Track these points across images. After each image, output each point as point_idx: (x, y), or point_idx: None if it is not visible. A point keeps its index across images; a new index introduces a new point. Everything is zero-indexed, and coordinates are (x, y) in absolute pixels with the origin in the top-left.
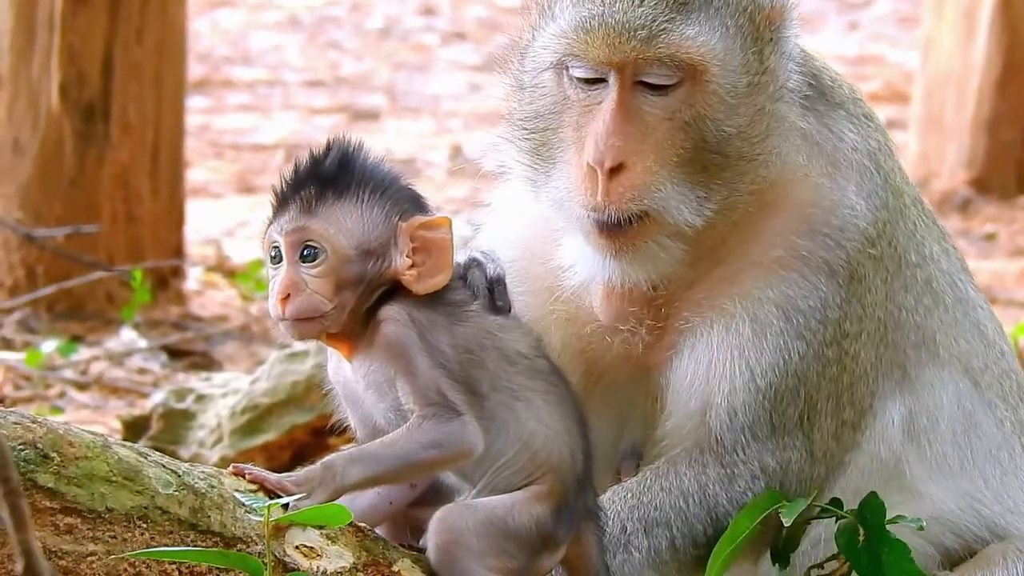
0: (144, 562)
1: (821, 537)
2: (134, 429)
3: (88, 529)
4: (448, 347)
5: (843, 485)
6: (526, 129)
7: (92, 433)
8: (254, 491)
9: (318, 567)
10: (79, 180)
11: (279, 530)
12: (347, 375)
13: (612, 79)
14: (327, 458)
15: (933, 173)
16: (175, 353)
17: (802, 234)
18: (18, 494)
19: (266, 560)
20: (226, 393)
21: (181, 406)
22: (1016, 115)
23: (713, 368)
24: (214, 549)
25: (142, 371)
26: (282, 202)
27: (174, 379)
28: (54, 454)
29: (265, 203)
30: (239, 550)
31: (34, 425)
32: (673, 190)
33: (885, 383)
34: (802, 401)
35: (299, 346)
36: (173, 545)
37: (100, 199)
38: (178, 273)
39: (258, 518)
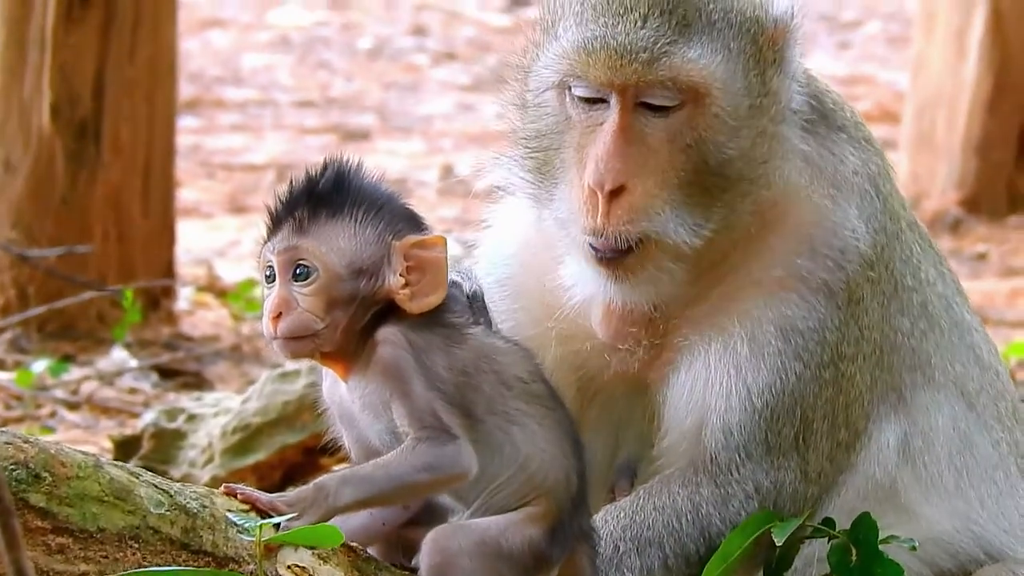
0: None
1: (815, 557)
2: (125, 449)
3: (80, 549)
4: (444, 369)
5: (838, 506)
6: (528, 148)
7: (84, 453)
8: (246, 511)
9: None
10: (70, 199)
11: (271, 550)
12: (342, 395)
13: (613, 100)
14: (319, 479)
15: (924, 193)
16: (166, 373)
17: (803, 254)
18: (10, 514)
19: None
20: (217, 413)
21: (172, 426)
22: (1006, 135)
23: (710, 386)
24: (206, 569)
25: (133, 391)
26: (276, 221)
27: (165, 399)
28: (46, 474)
29: (256, 223)
30: (231, 570)
31: (26, 445)
32: (672, 212)
33: (880, 405)
34: (798, 422)
35: (290, 366)
36: (165, 565)
37: (91, 218)
38: (169, 293)
39: (250, 538)
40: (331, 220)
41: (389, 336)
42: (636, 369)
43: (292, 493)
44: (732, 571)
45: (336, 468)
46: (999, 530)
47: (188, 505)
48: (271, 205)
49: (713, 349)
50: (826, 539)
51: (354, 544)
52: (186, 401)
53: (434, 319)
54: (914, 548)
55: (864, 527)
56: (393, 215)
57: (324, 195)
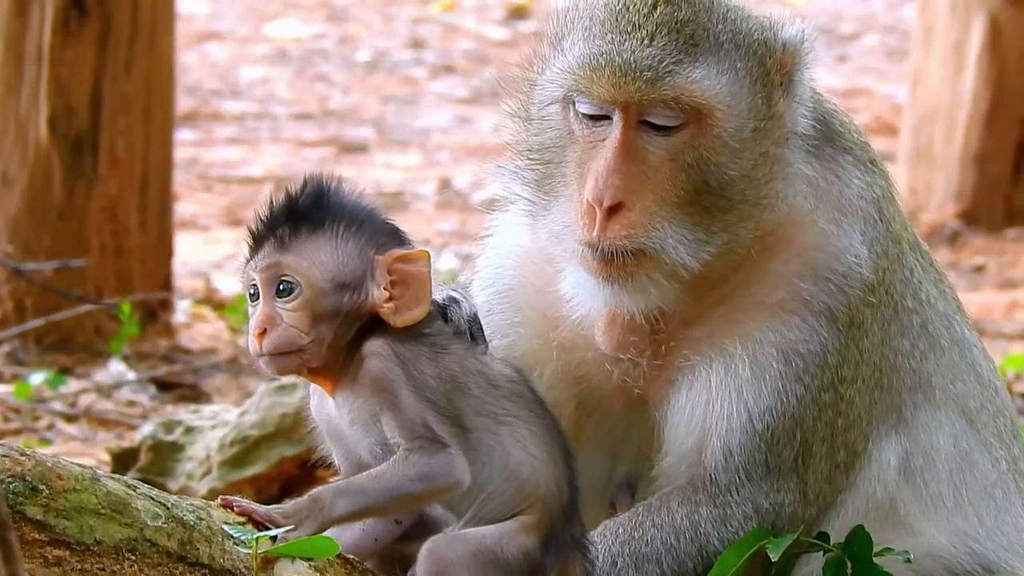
0: None
1: (813, 575)
2: (123, 461)
3: (77, 561)
4: (433, 378)
5: (839, 525)
6: (530, 160)
7: (80, 465)
8: (242, 523)
9: None
10: (67, 213)
11: (267, 562)
12: (330, 412)
13: (616, 117)
14: (314, 491)
15: (921, 206)
16: (164, 385)
17: (806, 278)
18: (7, 526)
19: None
20: (215, 425)
21: (170, 438)
22: (1004, 148)
23: (711, 407)
24: None
25: (131, 403)
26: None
27: (163, 411)
28: (43, 486)
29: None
30: None
31: (23, 458)
32: (671, 231)
33: (880, 425)
34: (797, 444)
35: (288, 379)
36: None
37: (88, 232)
38: (167, 306)
39: (246, 550)
40: (312, 236)
41: (376, 349)
42: (639, 384)
43: (288, 505)
44: None
45: (332, 480)
46: (997, 546)
47: (185, 517)
48: (253, 223)
49: (715, 370)
50: (822, 555)
51: (350, 556)
52: (184, 414)
53: (418, 330)
54: (909, 560)
55: (858, 541)
56: (375, 229)
57: (305, 211)
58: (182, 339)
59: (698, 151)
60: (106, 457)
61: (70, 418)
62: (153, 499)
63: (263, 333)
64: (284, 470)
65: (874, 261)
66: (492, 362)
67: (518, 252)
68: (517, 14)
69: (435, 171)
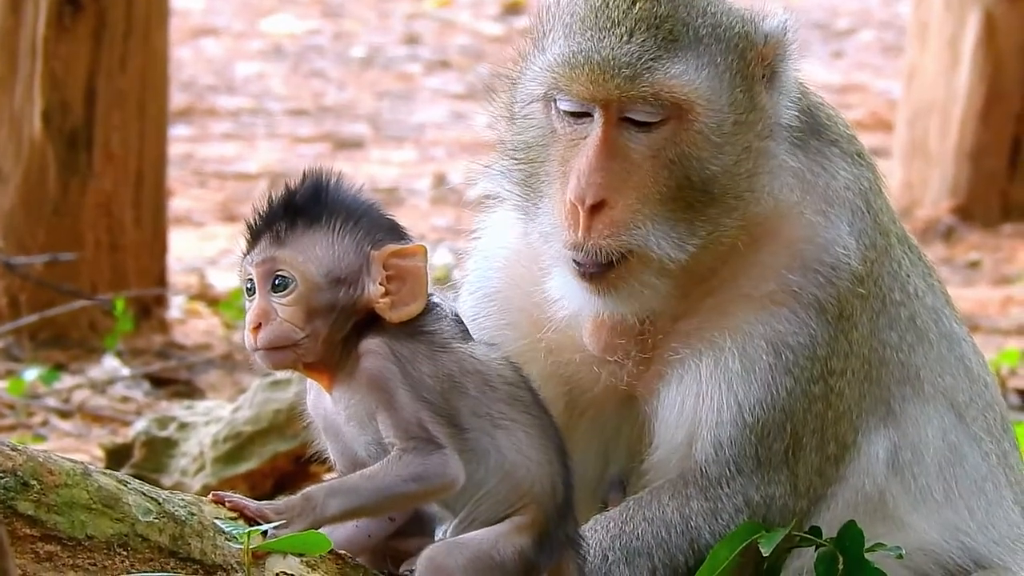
0: None
1: (804, 569)
2: (116, 457)
3: (68, 556)
4: (430, 377)
5: (828, 519)
6: (515, 159)
7: (72, 461)
8: (234, 519)
9: None
10: (62, 208)
11: (259, 557)
12: (327, 407)
13: (597, 115)
14: (307, 489)
15: (917, 201)
16: (158, 381)
17: (794, 270)
18: None
19: None
20: (208, 421)
21: (163, 434)
22: (999, 144)
23: (701, 400)
24: None
25: (125, 399)
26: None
27: (157, 407)
28: (34, 482)
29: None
30: None
31: (14, 453)
32: (655, 227)
33: (869, 419)
34: (788, 436)
35: (281, 374)
36: (153, 572)
37: (83, 227)
38: (161, 302)
39: (238, 545)
40: (308, 230)
41: (373, 347)
42: (626, 382)
43: (280, 501)
44: None
45: (327, 477)
46: (988, 540)
47: (176, 513)
48: (250, 218)
49: (704, 363)
50: (814, 550)
51: (342, 552)
52: (177, 410)
53: (417, 327)
54: (900, 556)
55: (850, 536)
56: (372, 225)
57: (302, 206)
58: (176, 335)
59: (680, 147)
60: (100, 453)
61: (64, 414)
62: (144, 494)
63: (258, 327)
64: (277, 466)
65: (862, 253)
66: (491, 362)
67: (505, 255)
68: (512, 10)
69: (430, 167)
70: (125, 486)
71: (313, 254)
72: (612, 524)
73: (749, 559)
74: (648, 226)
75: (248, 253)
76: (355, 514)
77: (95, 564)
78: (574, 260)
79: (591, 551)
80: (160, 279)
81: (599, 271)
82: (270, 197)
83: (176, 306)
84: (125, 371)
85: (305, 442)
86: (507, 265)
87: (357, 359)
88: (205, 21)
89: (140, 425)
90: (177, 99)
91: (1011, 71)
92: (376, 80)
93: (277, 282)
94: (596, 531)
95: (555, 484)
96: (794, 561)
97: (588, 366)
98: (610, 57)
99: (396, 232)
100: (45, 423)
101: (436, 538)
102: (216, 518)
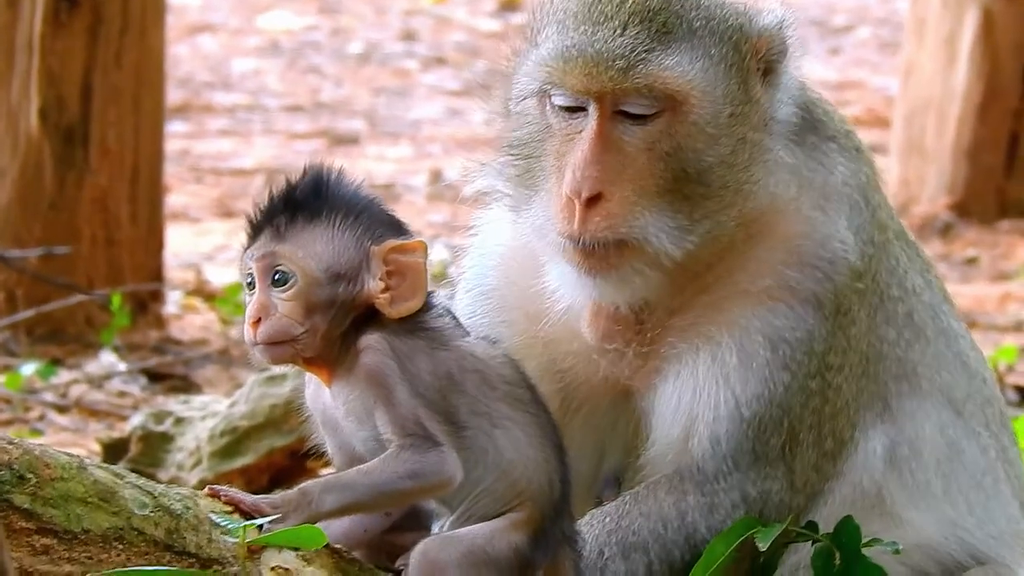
0: None
1: (800, 564)
2: (113, 452)
3: (64, 550)
4: (429, 374)
5: (825, 514)
6: (510, 155)
7: (68, 454)
8: (229, 513)
9: None
10: (58, 204)
11: (254, 551)
12: (326, 402)
13: (592, 108)
14: (303, 484)
15: (914, 198)
16: (155, 376)
17: (792, 265)
18: None
19: None
20: (205, 416)
21: (160, 429)
22: (997, 140)
23: (698, 396)
24: (190, 570)
25: (121, 394)
26: (256, 228)
27: (153, 402)
28: (30, 475)
29: (245, 228)
30: (215, 571)
31: (10, 446)
32: (652, 220)
33: (866, 415)
34: (785, 432)
35: (277, 369)
36: (149, 566)
37: (79, 223)
38: (157, 297)
39: (234, 539)
40: (309, 225)
41: (373, 343)
42: (625, 375)
43: (276, 496)
44: None
45: (323, 472)
46: (986, 535)
47: (172, 506)
48: (251, 212)
49: (701, 358)
50: (811, 545)
51: (338, 546)
52: (174, 404)
53: (417, 323)
54: (897, 551)
55: (847, 531)
56: (373, 220)
57: (302, 201)
58: (173, 330)
59: (675, 139)
60: (97, 448)
61: (61, 409)
62: (140, 488)
63: (258, 322)
64: (274, 461)
65: (860, 248)
66: (491, 360)
67: (501, 252)
68: (508, 6)
69: (426, 163)
70: (121, 480)
71: (313, 249)
72: (608, 519)
73: (745, 554)
74: (646, 218)
75: (248, 247)
76: (351, 510)
77: (91, 557)
78: (569, 239)
79: (587, 546)
80: (156, 274)
81: (595, 249)
82: (271, 192)
83: (172, 301)
84: (122, 366)
85: (301, 437)
86: (503, 262)
87: (356, 354)
88: (201, 17)
89: (136, 420)
90: (173, 95)
91: (1008, 68)
92: (372, 76)
93: (277, 277)
94: (592, 526)
95: (552, 482)
96: (791, 557)
97: (586, 356)
98: (603, 50)
99: (396, 227)
100: (42, 418)
101: (432, 533)
102: (212, 512)
